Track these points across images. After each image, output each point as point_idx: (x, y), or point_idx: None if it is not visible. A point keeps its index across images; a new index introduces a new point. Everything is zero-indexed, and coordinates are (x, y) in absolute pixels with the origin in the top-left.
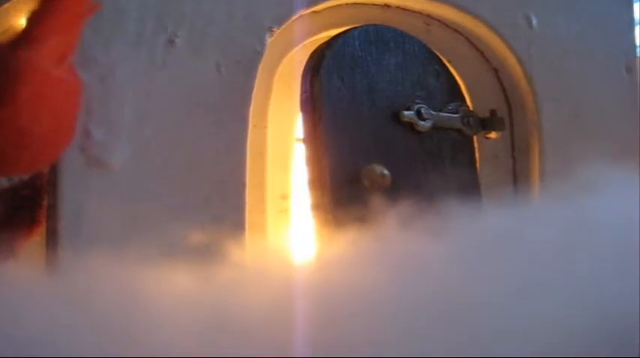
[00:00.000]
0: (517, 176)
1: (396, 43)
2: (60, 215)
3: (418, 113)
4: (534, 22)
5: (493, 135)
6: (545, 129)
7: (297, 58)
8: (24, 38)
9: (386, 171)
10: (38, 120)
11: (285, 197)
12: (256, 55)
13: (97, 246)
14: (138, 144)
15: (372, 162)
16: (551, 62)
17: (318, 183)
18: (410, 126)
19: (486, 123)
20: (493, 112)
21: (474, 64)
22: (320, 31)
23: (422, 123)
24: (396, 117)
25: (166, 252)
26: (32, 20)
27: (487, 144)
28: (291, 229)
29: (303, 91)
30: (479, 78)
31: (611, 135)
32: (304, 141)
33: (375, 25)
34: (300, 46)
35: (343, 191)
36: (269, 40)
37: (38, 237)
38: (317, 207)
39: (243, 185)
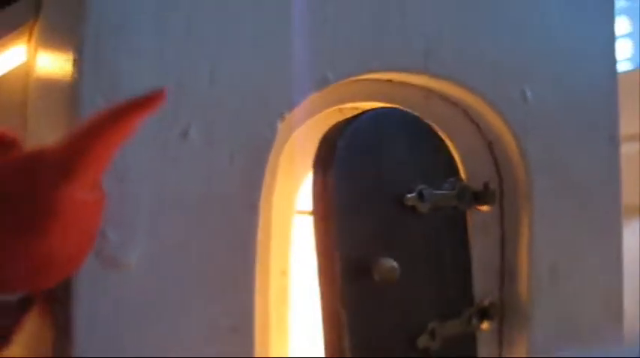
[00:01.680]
0: (505, 245)
1: (402, 125)
2: (74, 318)
3: (420, 195)
4: (529, 95)
5: (485, 208)
6: (536, 201)
7: (299, 135)
8: (63, 170)
9: (395, 264)
10: (66, 245)
11: (284, 273)
12: (267, 143)
13: (113, 349)
14: (153, 242)
15: (381, 252)
16: (544, 135)
17: (327, 275)
18: (412, 210)
19: (479, 197)
20: (486, 185)
21: (469, 137)
22: (324, 108)
23: (422, 204)
24: (400, 201)
25: (178, 348)
26: (73, 150)
27: (477, 216)
28: (291, 309)
29: (315, 184)
30: (473, 150)
31: (596, 205)
32: (314, 233)
33: (382, 108)
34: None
35: (353, 284)
36: (279, 126)
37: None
38: (325, 300)
39: (253, 277)
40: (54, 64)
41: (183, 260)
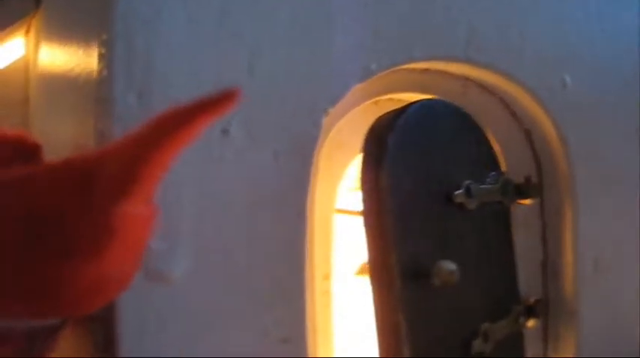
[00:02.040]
0: (547, 240)
1: (446, 117)
2: (119, 337)
3: (467, 191)
4: (568, 83)
5: (528, 201)
6: (579, 194)
7: (340, 129)
8: (122, 183)
9: (454, 267)
10: (118, 266)
11: (327, 277)
12: (312, 140)
13: None
14: (198, 250)
15: (435, 253)
16: (583, 124)
17: (383, 280)
18: (460, 207)
19: (522, 190)
20: (528, 178)
21: (506, 127)
22: (362, 101)
23: (470, 200)
24: (449, 198)
25: None
26: (133, 159)
27: (518, 209)
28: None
29: (367, 182)
30: (510, 141)
31: (633, 195)
32: (366, 235)
33: (426, 101)
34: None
35: (411, 288)
36: (324, 122)
37: None
38: (382, 305)
39: (303, 285)
40: (65, 58)
41: (230, 269)
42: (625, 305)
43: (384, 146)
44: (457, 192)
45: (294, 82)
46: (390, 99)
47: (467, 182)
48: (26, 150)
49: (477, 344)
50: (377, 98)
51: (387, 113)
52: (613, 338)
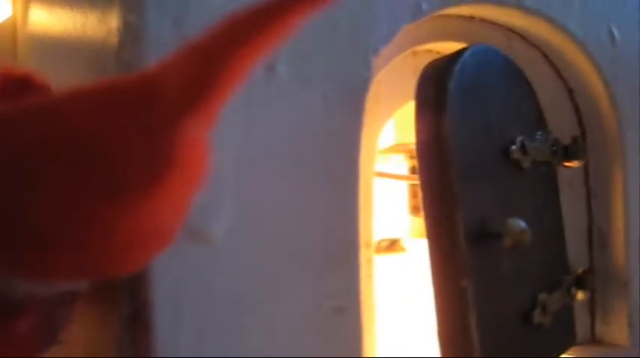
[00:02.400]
0: (592, 206)
1: (499, 67)
2: (154, 306)
3: (522, 147)
4: (617, 36)
5: (574, 163)
6: (629, 157)
7: (378, 81)
8: (185, 100)
9: (525, 225)
10: (174, 208)
11: (368, 245)
12: (364, 83)
13: (203, 340)
14: (241, 206)
15: (497, 214)
16: (631, 83)
17: (446, 242)
18: (516, 165)
19: (569, 151)
20: (575, 139)
21: (549, 84)
22: (406, 46)
23: (525, 158)
24: (506, 154)
25: (276, 336)
26: (202, 68)
27: (562, 171)
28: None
29: (426, 130)
30: (553, 99)
31: None
32: (424, 191)
33: (478, 47)
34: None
35: (478, 251)
36: (374, 64)
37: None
38: (445, 269)
39: (357, 250)
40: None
41: (277, 229)
42: None
43: (445, 90)
44: (513, 148)
45: (343, 14)
46: (429, 51)
47: (520, 138)
48: (35, 88)
49: (537, 315)
50: (417, 47)
51: (440, 59)
52: None
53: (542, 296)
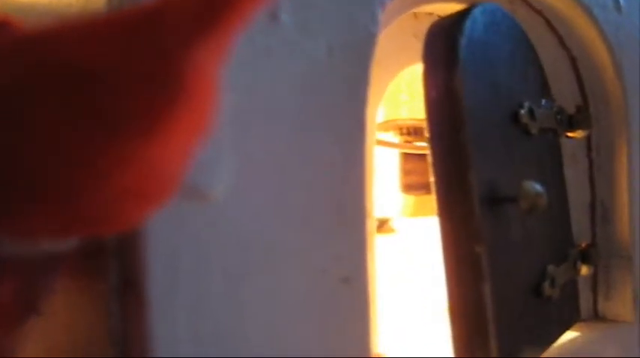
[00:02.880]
0: (595, 179)
1: (507, 27)
2: (147, 272)
3: (530, 112)
4: (622, 3)
5: (578, 134)
6: (633, 129)
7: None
8: (199, 27)
9: (541, 188)
10: (177, 161)
11: (369, 215)
12: (370, 37)
13: (200, 308)
14: (241, 163)
15: (507, 179)
16: (635, 53)
17: (460, 206)
18: (525, 130)
19: (573, 121)
20: (580, 108)
21: (552, 51)
22: (402, 12)
23: (533, 124)
24: (514, 118)
25: (280, 305)
26: (216, 7)
27: (565, 143)
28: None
29: (436, 87)
30: (555, 68)
31: None
32: (435, 152)
33: (486, 5)
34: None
35: (491, 217)
36: (380, 17)
37: None
38: (458, 233)
39: (364, 216)
40: None
41: (281, 188)
42: None
43: (456, 46)
44: (522, 112)
45: None
46: (430, 14)
47: (527, 103)
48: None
49: (547, 288)
50: (419, 8)
51: (447, 16)
52: None
53: (550, 268)
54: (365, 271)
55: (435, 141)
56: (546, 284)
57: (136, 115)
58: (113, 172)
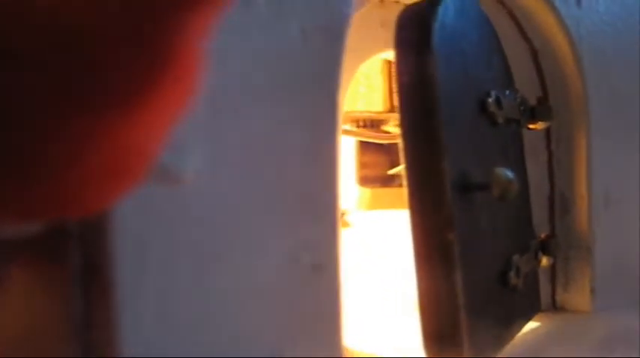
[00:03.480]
0: (554, 170)
1: (474, 15)
2: (114, 256)
3: (497, 101)
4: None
5: (539, 125)
6: (593, 121)
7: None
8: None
9: (512, 176)
10: (155, 136)
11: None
12: (343, 19)
13: (167, 292)
14: (212, 144)
15: (477, 167)
16: (595, 47)
17: (432, 192)
18: (492, 118)
19: (535, 112)
20: (541, 100)
21: (514, 45)
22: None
23: (500, 112)
24: (482, 106)
25: (249, 292)
26: None
27: (525, 135)
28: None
29: (409, 73)
30: (516, 58)
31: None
32: (407, 138)
33: None
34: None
35: (462, 204)
36: (354, 1)
37: None
38: (430, 222)
39: (336, 201)
40: None
41: (252, 171)
42: (632, 240)
43: (428, 31)
44: (490, 100)
45: None
46: (397, 2)
47: (494, 92)
48: None
49: (512, 277)
50: None
51: (419, 2)
52: (620, 275)
53: (515, 258)
54: (336, 259)
55: (407, 127)
56: (512, 274)
57: (119, 83)
58: (87, 149)
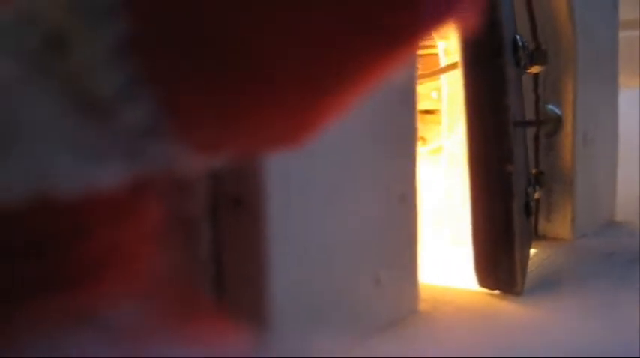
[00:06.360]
0: (539, 112)
1: None
2: (263, 188)
3: (523, 44)
4: None
5: (535, 69)
6: (580, 67)
7: None
8: None
9: (561, 114)
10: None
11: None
12: None
13: (302, 221)
14: None
15: (517, 104)
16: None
17: (493, 127)
18: (517, 60)
19: (533, 57)
20: (539, 45)
21: None
22: None
23: (523, 55)
24: (514, 47)
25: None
26: None
27: None
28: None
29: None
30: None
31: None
32: (468, 73)
33: None
34: None
35: (518, 138)
36: None
37: None
38: (488, 156)
39: (415, 135)
40: None
41: (355, 126)
42: (603, 175)
43: None
44: (518, 43)
45: None
46: None
47: (518, 36)
48: None
49: (532, 207)
50: None
51: None
52: (594, 207)
53: (530, 190)
54: (417, 190)
55: (471, 65)
56: (532, 204)
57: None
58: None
